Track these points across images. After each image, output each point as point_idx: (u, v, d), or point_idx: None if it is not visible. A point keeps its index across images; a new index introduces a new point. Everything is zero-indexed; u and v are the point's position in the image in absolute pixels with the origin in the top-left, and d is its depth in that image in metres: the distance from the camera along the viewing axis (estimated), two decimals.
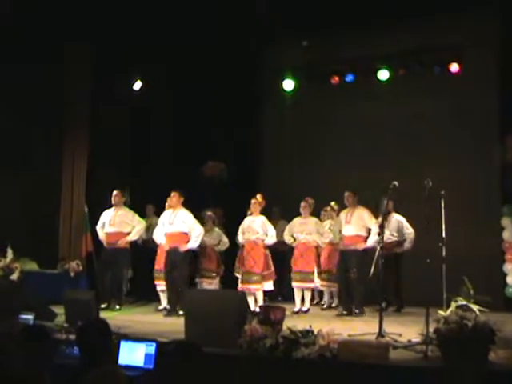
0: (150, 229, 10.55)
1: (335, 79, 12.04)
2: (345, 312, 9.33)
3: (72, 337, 6.06)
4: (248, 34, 11.35)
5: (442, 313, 5.84)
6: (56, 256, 10.85)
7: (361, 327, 7.68)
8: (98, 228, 10.07)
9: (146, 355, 5.52)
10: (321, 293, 10.80)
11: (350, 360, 5.61)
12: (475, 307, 5.73)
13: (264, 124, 12.89)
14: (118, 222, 9.93)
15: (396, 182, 7.41)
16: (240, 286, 9.50)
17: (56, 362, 5.20)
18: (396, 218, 9.94)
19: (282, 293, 11.01)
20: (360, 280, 9.04)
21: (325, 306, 10.46)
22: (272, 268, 9.79)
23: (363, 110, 11.64)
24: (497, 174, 10.49)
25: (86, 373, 3.77)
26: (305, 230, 10.13)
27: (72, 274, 10.41)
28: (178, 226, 9.46)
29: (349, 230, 9.51)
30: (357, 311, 9.27)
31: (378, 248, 7.55)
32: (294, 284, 10.04)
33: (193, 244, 9.44)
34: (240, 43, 11.47)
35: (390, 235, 9.71)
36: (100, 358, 4.06)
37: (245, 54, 11.89)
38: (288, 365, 5.74)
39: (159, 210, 10.19)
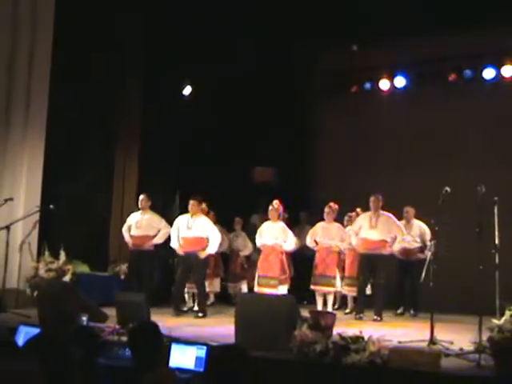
0: None
1: (388, 85, 12.01)
2: (359, 316, 9.41)
3: (124, 338, 6.14)
4: (302, 38, 11.36)
5: (495, 321, 5.73)
6: (107, 259, 11.02)
7: (411, 334, 7.60)
8: (124, 231, 10.10)
9: (197, 358, 5.55)
10: (343, 298, 10.81)
11: (401, 367, 5.54)
12: None
13: (313, 129, 12.89)
14: (144, 226, 10.00)
15: (448, 188, 7.32)
16: (256, 289, 9.66)
17: (108, 364, 5.32)
18: (418, 224, 9.94)
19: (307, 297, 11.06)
20: (385, 285, 9.26)
21: (347, 311, 10.42)
22: (287, 273, 9.97)
23: (411, 116, 11.54)
24: None
25: (138, 374, 3.83)
26: (327, 235, 10.16)
27: (122, 277, 10.54)
28: (197, 231, 9.58)
29: (374, 235, 9.52)
30: (378, 318, 9.32)
31: (429, 255, 7.48)
32: (314, 287, 10.11)
33: (211, 250, 9.60)
34: (294, 46, 11.50)
35: (412, 241, 9.73)
36: (151, 361, 4.11)
37: (297, 58, 11.92)
38: (338, 370, 5.71)
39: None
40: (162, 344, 4.48)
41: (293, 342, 5.93)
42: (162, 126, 11.34)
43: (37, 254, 9.56)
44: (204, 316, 9.38)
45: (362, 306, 9.62)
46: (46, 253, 9.55)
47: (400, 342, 6.81)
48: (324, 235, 10.18)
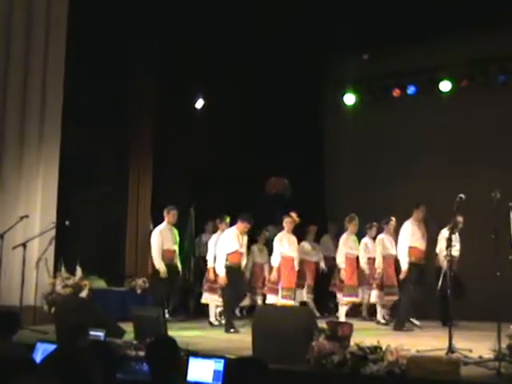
0: None
1: (397, 92, 12.00)
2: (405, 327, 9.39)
3: (141, 353, 6.14)
4: (311, 48, 11.40)
5: None
6: (123, 273, 11.04)
7: (430, 342, 7.55)
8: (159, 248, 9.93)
9: (215, 372, 5.52)
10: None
11: (420, 376, 5.50)
12: None
13: (328, 138, 12.94)
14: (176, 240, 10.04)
15: (462, 195, 7.29)
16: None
17: (126, 379, 5.32)
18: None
19: (328, 308, 11.31)
20: None
21: (383, 321, 10.45)
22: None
23: (425, 122, 11.53)
24: None
25: None
26: (354, 247, 10.45)
27: (139, 291, 10.56)
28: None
29: (424, 244, 9.57)
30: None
31: (446, 262, 7.44)
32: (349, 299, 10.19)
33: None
34: (303, 57, 11.55)
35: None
36: (169, 375, 4.11)
37: (307, 68, 11.98)
38: (356, 381, 5.68)
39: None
40: (180, 358, 4.48)
41: (310, 353, 5.91)
42: (175, 139, 11.37)
43: (53, 271, 9.59)
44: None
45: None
46: (63, 269, 9.58)
47: (418, 351, 6.77)
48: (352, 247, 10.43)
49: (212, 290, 10.07)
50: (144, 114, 11.35)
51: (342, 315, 10.16)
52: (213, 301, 10.09)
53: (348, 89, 12.59)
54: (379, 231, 10.71)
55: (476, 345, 6.97)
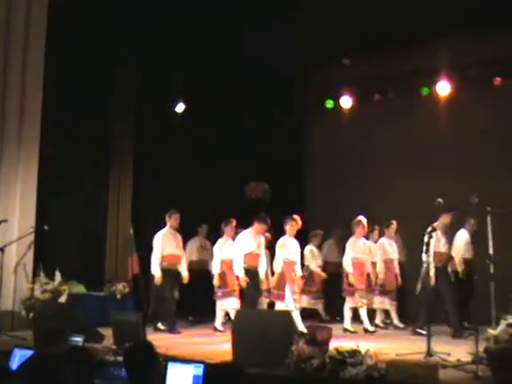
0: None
1: (377, 96, 12.09)
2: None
3: (120, 358, 6.11)
4: (292, 54, 11.42)
5: (491, 331, 5.74)
6: (103, 278, 10.97)
7: (409, 346, 7.59)
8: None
9: (194, 377, 5.49)
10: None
11: (399, 380, 5.52)
12: None
13: (308, 143, 12.98)
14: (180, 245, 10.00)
15: (441, 199, 7.34)
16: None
17: None
18: None
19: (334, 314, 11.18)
20: None
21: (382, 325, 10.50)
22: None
23: (407, 127, 11.62)
24: None
25: None
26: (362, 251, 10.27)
27: (118, 296, 10.49)
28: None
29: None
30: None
31: (425, 265, 7.51)
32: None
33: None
34: (284, 63, 11.56)
35: None
36: (147, 380, 4.09)
37: (288, 74, 12.00)
38: None
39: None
40: (158, 363, 4.46)
41: (290, 357, 5.91)
42: (155, 144, 11.33)
43: (32, 276, 9.49)
44: None
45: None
46: (42, 274, 9.47)
47: (397, 355, 6.82)
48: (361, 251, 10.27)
49: (226, 295, 9.82)
50: (125, 117, 11.26)
51: (348, 320, 10.02)
52: (231, 305, 9.66)
53: (329, 93, 12.62)
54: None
55: (454, 348, 7.05)
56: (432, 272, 8.30)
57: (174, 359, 5.89)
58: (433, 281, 8.36)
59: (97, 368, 4.98)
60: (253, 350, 6.14)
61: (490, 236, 6.94)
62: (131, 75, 11.16)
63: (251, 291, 9.22)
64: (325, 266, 11.39)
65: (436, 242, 8.99)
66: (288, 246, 9.44)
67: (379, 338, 8.94)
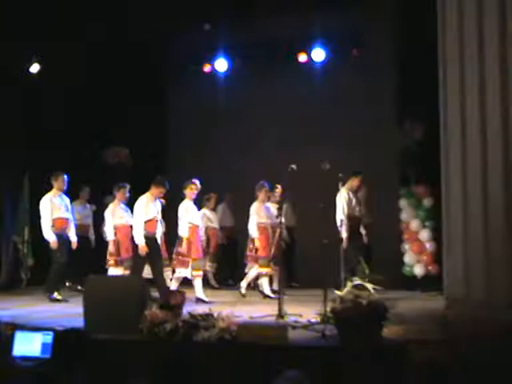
0: None
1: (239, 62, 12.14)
2: None
3: None
4: (156, 17, 11.19)
5: (338, 292, 5.99)
6: None
7: (264, 309, 7.78)
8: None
9: (43, 345, 5.41)
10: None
11: (250, 341, 5.65)
12: (370, 286, 5.91)
13: (171, 109, 12.83)
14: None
15: (294, 166, 7.48)
16: None
17: None
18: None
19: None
20: None
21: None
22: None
23: (277, 91, 11.74)
24: (395, 157, 10.79)
25: None
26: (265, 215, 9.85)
27: None
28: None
29: None
30: None
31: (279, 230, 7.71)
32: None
33: None
34: (147, 25, 11.31)
35: None
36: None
37: (152, 36, 11.74)
38: (188, 348, 5.74)
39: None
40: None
41: (143, 322, 5.90)
42: (6, 105, 10.75)
43: None
44: None
45: None
46: None
47: (251, 318, 6.98)
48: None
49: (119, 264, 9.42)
50: None
51: (245, 285, 9.80)
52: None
53: (193, 60, 12.48)
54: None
55: (307, 310, 7.27)
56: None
57: (23, 328, 5.75)
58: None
59: None
60: (104, 316, 6.06)
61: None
62: None
63: (142, 260, 8.68)
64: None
65: (349, 203, 9.24)
66: (191, 210, 9.31)
67: (247, 302, 9.06)
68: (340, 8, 10.85)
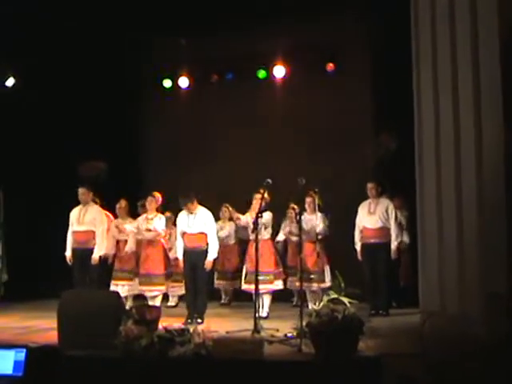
0: None
1: (215, 77, 12.13)
2: (373, 312, 8.77)
3: None
4: (127, 31, 11.18)
5: (314, 307, 6.00)
6: None
7: (239, 324, 7.75)
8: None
9: (16, 362, 5.33)
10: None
11: (225, 356, 5.63)
12: (346, 300, 5.91)
13: (145, 123, 12.77)
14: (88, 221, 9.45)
15: (269, 180, 7.50)
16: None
17: None
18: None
19: None
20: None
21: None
22: None
23: (242, 109, 11.74)
24: (369, 170, 10.79)
25: None
26: None
27: None
28: None
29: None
30: (384, 312, 8.86)
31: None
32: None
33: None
34: (119, 40, 11.30)
35: None
36: None
37: (123, 52, 11.74)
38: (164, 364, 5.70)
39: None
40: None
41: (118, 338, 5.84)
42: None
43: None
44: None
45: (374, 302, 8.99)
46: None
47: (227, 332, 6.96)
48: None
49: None
50: None
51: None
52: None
53: (166, 73, 12.47)
54: None
55: (284, 324, 7.25)
56: None
57: None
58: None
59: None
60: (79, 332, 6.00)
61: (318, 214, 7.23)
62: None
63: None
64: None
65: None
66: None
67: (215, 317, 9.02)
68: (310, 21, 10.93)
